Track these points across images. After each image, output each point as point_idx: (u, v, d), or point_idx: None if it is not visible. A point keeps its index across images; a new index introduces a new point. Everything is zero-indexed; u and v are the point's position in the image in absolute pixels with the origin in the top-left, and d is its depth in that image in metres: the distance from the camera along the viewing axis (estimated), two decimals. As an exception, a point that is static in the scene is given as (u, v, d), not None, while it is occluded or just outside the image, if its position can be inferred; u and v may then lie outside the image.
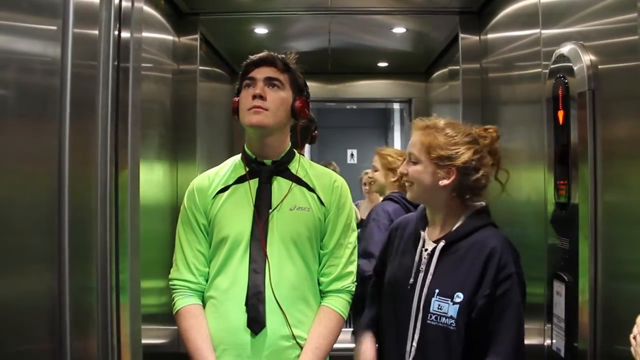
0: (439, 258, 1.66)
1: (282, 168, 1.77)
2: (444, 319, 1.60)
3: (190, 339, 1.68)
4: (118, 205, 1.32)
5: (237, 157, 1.84)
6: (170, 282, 1.76)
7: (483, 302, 1.59)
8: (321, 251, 1.79)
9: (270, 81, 1.73)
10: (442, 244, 1.67)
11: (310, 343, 1.70)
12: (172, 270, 1.78)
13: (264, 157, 1.77)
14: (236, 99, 1.79)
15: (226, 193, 1.77)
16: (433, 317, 1.62)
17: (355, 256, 1.82)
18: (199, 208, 1.77)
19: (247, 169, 1.78)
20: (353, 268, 1.81)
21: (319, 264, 1.79)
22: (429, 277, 1.66)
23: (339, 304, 1.77)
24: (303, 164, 1.82)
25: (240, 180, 1.77)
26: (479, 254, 1.62)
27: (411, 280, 1.68)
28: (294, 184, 1.76)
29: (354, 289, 1.81)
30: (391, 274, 1.78)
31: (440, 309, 1.61)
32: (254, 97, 1.70)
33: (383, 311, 1.80)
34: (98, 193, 1.27)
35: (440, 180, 1.67)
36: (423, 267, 1.68)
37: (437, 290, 1.63)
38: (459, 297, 1.60)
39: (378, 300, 1.87)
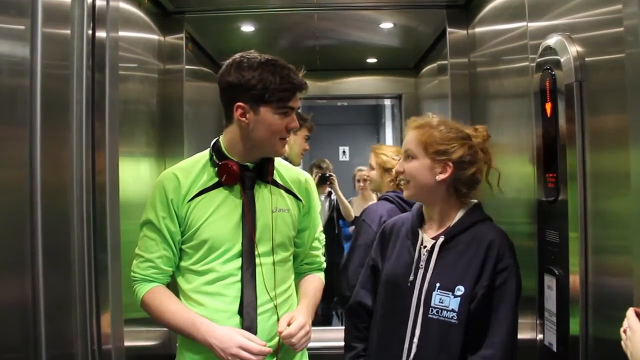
0: (438, 253, 1.69)
1: (262, 172, 1.73)
2: (445, 312, 1.63)
3: (165, 311, 1.64)
4: (96, 207, 1.29)
5: (206, 157, 1.75)
6: (132, 274, 1.71)
7: (482, 292, 1.62)
8: (297, 249, 1.85)
9: None
10: (441, 239, 1.70)
11: (308, 295, 1.81)
12: (134, 263, 1.71)
13: (245, 161, 1.72)
14: (248, 109, 1.65)
15: (205, 198, 1.69)
16: (434, 310, 1.64)
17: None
18: (173, 217, 1.68)
19: (228, 174, 1.68)
20: (324, 258, 1.96)
21: (297, 258, 1.87)
22: (429, 272, 1.68)
23: (320, 275, 1.94)
24: (275, 164, 1.78)
25: (219, 184, 1.70)
26: (479, 247, 1.67)
27: (411, 277, 1.70)
28: (272, 187, 1.76)
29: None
30: (389, 271, 1.79)
31: (442, 302, 1.64)
32: (289, 130, 1.68)
33: (381, 308, 1.79)
34: (74, 196, 1.23)
35: (437, 175, 1.70)
36: (423, 263, 1.70)
37: (437, 284, 1.66)
38: (460, 290, 1.63)
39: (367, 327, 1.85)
